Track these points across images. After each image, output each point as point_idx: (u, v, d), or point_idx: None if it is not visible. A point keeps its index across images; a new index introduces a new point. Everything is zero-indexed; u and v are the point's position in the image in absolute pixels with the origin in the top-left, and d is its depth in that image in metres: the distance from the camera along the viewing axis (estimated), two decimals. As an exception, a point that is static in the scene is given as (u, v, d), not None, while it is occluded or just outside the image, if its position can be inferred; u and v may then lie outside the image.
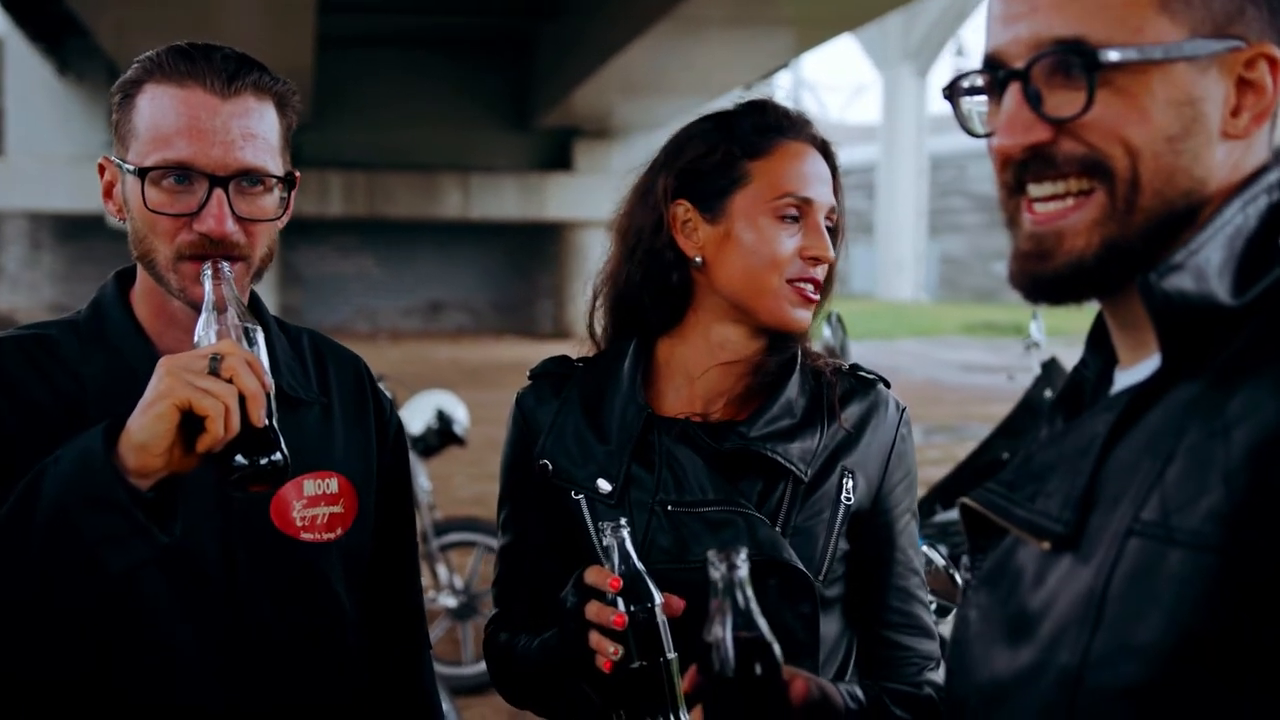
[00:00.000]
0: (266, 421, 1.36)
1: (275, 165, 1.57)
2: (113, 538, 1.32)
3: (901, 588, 1.71)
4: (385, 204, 24.23)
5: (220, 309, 1.43)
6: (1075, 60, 0.96)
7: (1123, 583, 0.89)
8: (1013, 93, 0.99)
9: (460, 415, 5.60)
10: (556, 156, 24.93)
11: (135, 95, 1.55)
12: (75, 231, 23.41)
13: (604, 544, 1.45)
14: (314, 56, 16.71)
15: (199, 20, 14.17)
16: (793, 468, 1.64)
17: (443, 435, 5.52)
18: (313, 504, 1.63)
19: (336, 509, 1.65)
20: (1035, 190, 1.00)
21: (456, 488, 9.69)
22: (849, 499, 1.66)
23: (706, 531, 1.61)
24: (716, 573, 1.09)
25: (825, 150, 1.71)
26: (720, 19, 14.45)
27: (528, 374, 1.79)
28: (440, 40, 23.61)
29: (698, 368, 1.71)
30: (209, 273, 1.47)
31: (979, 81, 1.04)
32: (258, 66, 1.57)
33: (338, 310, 26.48)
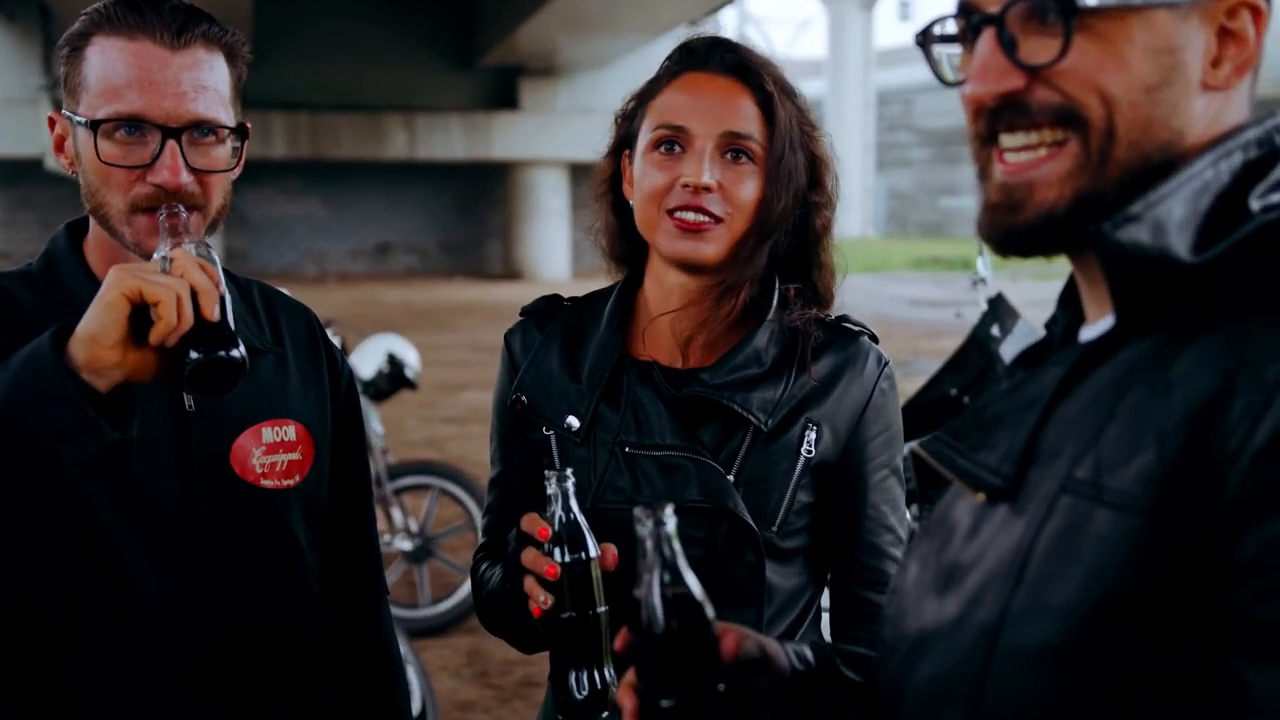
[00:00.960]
0: (220, 317, 1.37)
1: (227, 116, 1.57)
2: (62, 430, 1.31)
3: (871, 544, 1.69)
4: (329, 145, 23.98)
5: (174, 236, 1.45)
6: (1051, 4, 0.92)
7: (1049, 540, 0.88)
8: (986, 38, 0.96)
9: (411, 359, 5.59)
10: (502, 96, 24.75)
11: (84, 48, 1.54)
12: (12, 176, 22.98)
13: (548, 492, 1.47)
14: (253, -4, 16.44)
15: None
16: (751, 417, 1.64)
17: (394, 379, 5.51)
18: (271, 451, 1.64)
19: (295, 456, 1.67)
20: (1007, 140, 0.97)
21: (409, 430, 9.69)
22: (810, 451, 1.65)
23: (659, 474, 1.62)
24: (643, 529, 1.06)
25: (751, 79, 1.65)
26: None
27: (519, 311, 1.80)
28: (382, -23, 23.30)
29: (657, 311, 1.71)
30: (164, 214, 1.48)
31: (952, 28, 1.01)
32: (206, 18, 1.57)
33: (284, 254, 26.24)
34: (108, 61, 1.52)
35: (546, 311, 1.80)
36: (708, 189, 1.60)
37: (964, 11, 0.99)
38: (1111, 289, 0.93)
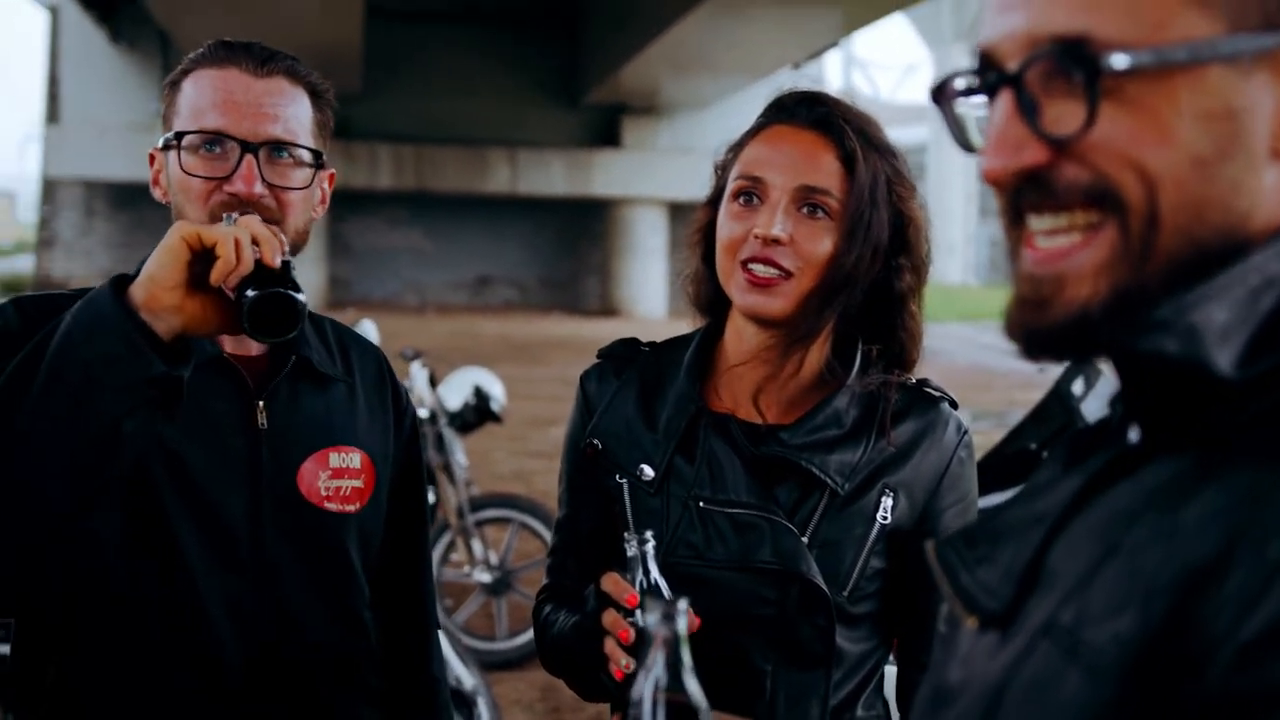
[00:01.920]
0: (280, 262, 1.42)
1: (306, 141, 1.66)
2: (109, 356, 1.35)
3: None
4: (433, 177, 24.33)
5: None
6: (1074, 64, 0.76)
7: (1023, 687, 0.76)
8: (1003, 102, 0.80)
9: (497, 392, 5.63)
10: (604, 133, 24.94)
11: (180, 83, 1.66)
12: (129, 199, 23.62)
13: (629, 554, 1.46)
14: (363, 29, 16.78)
15: (251, -8, 14.24)
16: (828, 480, 1.61)
17: (479, 412, 5.55)
18: (337, 475, 1.69)
19: (358, 483, 1.72)
20: (1035, 223, 0.80)
21: (497, 463, 9.73)
22: (885, 518, 1.62)
23: (732, 532, 1.60)
24: (651, 622, 0.97)
25: (835, 134, 1.62)
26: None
27: (596, 353, 1.80)
28: (490, 14, 23.69)
29: (734, 362, 1.69)
30: (235, 216, 1.53)
31: (974, 82, 0.84)
32: (293, 58, 1.67)
33: (386, 284, 26.62)
34: (198, 89, 1.63)
35: (624, 356, 1.79)
36: (778, 241, 1.58)
37: (981, 68, 0.82)
38: (1127, 402, 0.79)
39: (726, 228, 1.63)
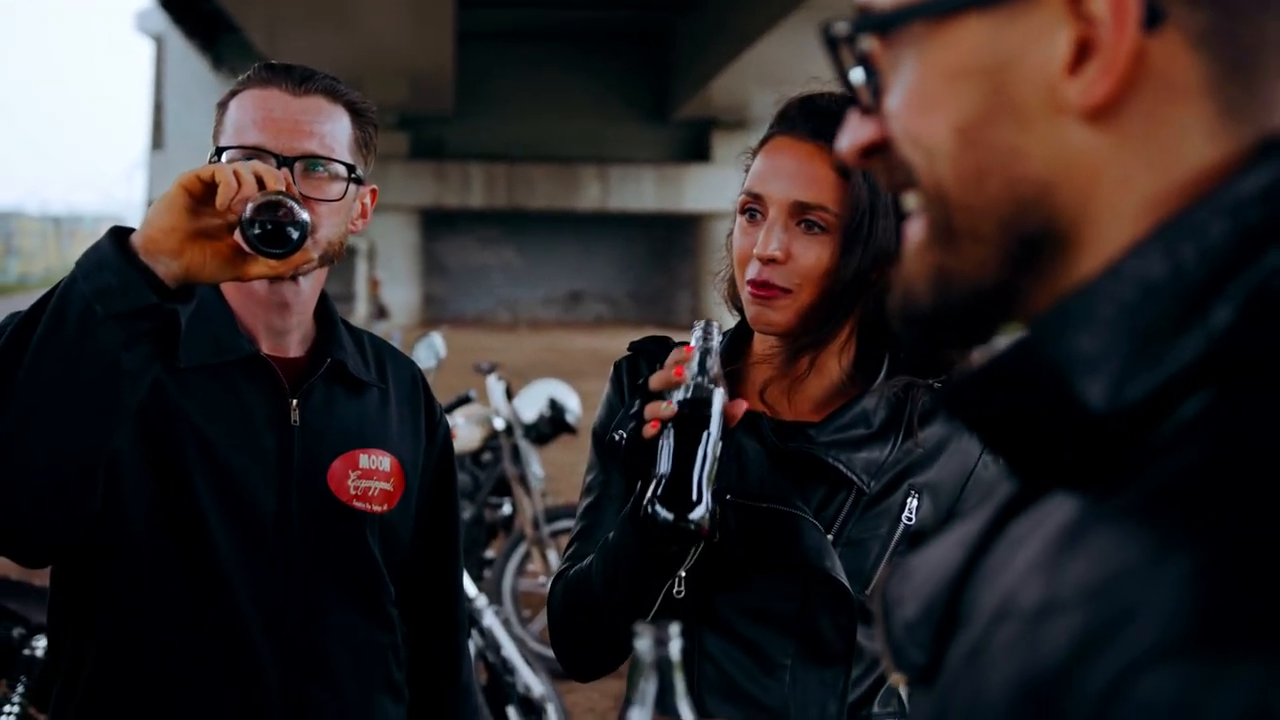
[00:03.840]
0: (282, 190, 1.46)
1: (342, 156, 1.71)
2: (103, 290, 1.40)
3: None
4: (525, 195, 24.54)
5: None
6: (835, 36, 0.70)
7: None
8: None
9: (572, 404, 5.68)
10: (694, 148, 24.98)
11: (228, 104, 1.72)
12: (229, 223, 24.09)
13: (694, 337, 1.49)
14: (454, 51, 17.00)
15: (343, 15, 14.54)
16: (855, 478, 1.61)
17: (554, 424, 5.60)
18: (366, 476, 1.74)
19: (386, 486, 1.77)
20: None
21: (576, 476, 9.63)
22: (910, 518, 1.62)
23: (758, 527, 1.61)
24: (643, 646, 0.92)
25: (831, 142, 1.54)
26: (855, 7, 14.30)
27: (628, 346, 1.81)
28: (578, 33, 23.84)
29: (758, 359, 1.71)
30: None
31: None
32: (332, 78, 1.73)
33: (479, 300, 26.90)
34: (241, 108, 1.69)
35: (655, 352, 1.79)
36: (775, 260, 1.58)
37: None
38: (992, 449, 0.67)
39: (737, 241, 1.64)
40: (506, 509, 5.50)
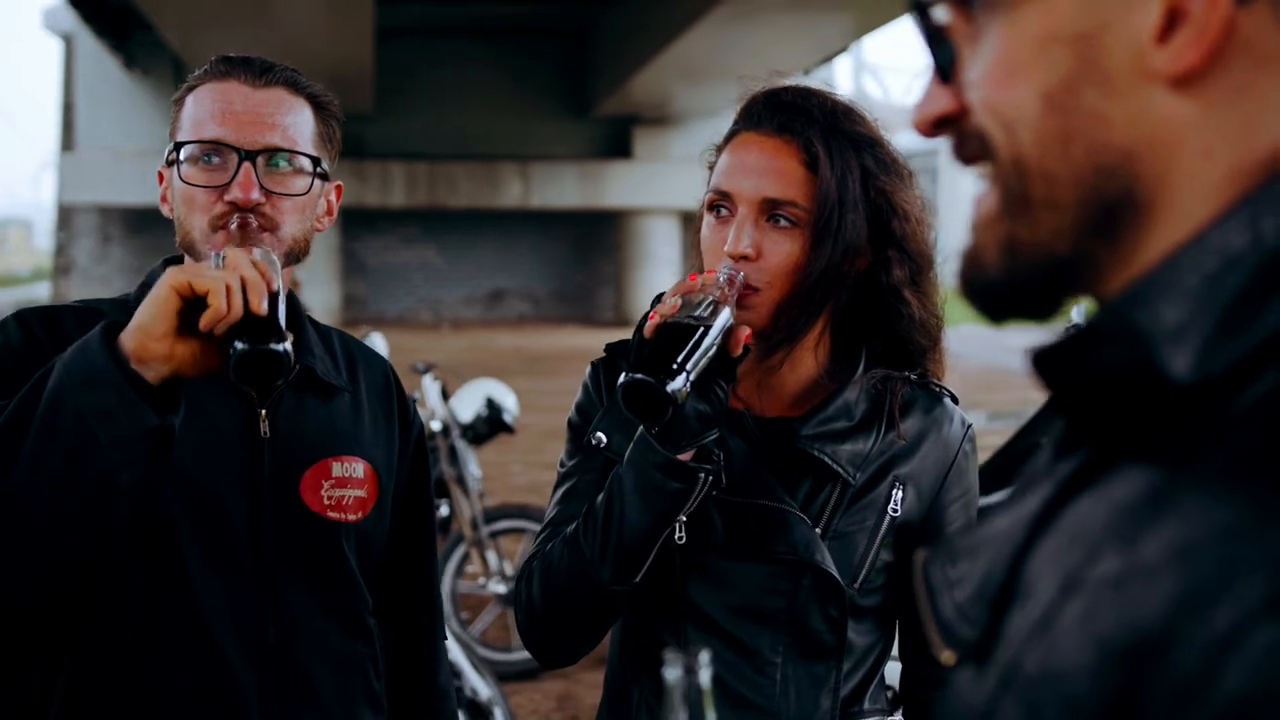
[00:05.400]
0: (268, 311, 1.40)
1: (306, 149, 1.66)
2: (103, 410, 1.34)
3: None
4: (447, 194, 24.39)
5: (243, 242, 1.54)
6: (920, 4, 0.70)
7: None
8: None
9: (510, 404, 5.63)
10: (616, 144, 24.98)
11: (185, 99, 1.68)
12: (144, 224, 23.74)
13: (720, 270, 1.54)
14: (374, 48, 16.84)
15: (260, 13, 14.33)
16: (840, 470, 1.61)
17: (492, 423, 5.56)
18: (340, 485, 1.70)
19: (360, 493, 1.72)
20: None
21: (513, 475, 9.73)
22: (896, 510, 1.63)
23: (745, 523, 1.61)
24: (671, 676, 0.88)
25: (799, 137, 1.59)
26: (779, 2, 14.38)
27: (604, 347, 1.79)
28: (498, 29, 23.76)
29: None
30: (235, 222, 1.58)
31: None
32: (296, 72, 1.69)
33: (401, 300, 26.69)
34: (199, 102, 1.64)
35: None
36: (745, 257, 1.57)
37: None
38: (1068, 420, 0.69)
39: (706, 239, 1.63)
40: (444, 510, 5.43)
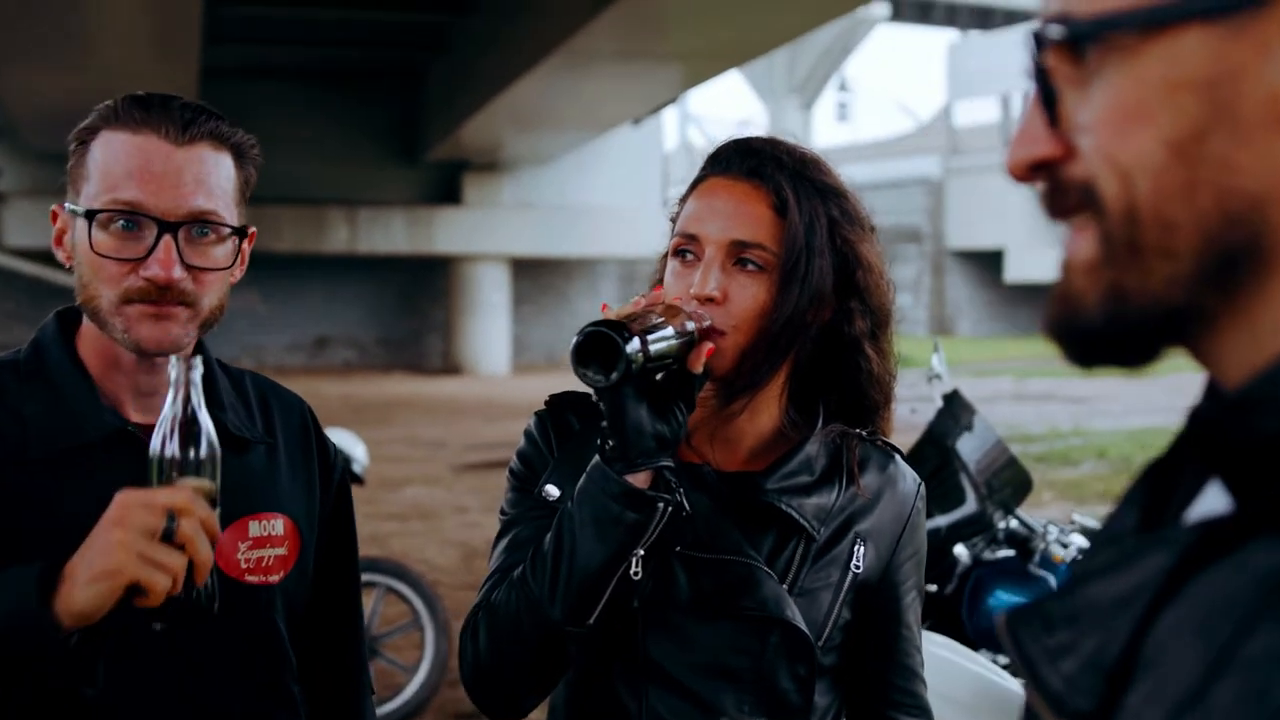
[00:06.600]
0: (208, 580, 1.37)
1: (229, 215, 1.55)
2: (20, 657, 1.31)
3: (906, 666, 1.67)
4: (271, 238, 23.82)
5: (184, 410, 1.40)
6: (1033, 45, 0.69)
7: None
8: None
9: (359, 454, 5.52)
10: (446, 190, 24.82)
11: (90, 142, 1.53)
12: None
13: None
14: (198, 88, 16.45)
15: (80, 50, 13.88)
16: (806, 524, 1.59)
17: (342, 474, 5.43)
18: (257, 545, 1.61)
19: (281, 551, 1.63)
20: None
21: (363, 527, 9.50)
22: (858, 567, 1.62)
23: (711, 579, 1.57)
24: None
25: (768, 182, 1.59)
26: (610, 53, 14.53)
27: (549, 398, 1.73)
28: (328, 73, 23.45)
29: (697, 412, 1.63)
30: (176, 367, 1.41)
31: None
32: (216, 116, 1.56)
33: (221, 348, 25.07)
34: (110, 153, 1.50)
35: (577, 401, 1.72)
36: (712, 300, 1.55)
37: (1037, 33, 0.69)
38: (1227, 481, 0.66)
39: (670, 285, 1.60)
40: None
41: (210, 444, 1.39)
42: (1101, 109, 0.65)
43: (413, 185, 24.83)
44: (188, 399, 1.38)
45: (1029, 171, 0.70)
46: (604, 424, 1.49)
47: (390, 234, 24.36)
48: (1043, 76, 0.68)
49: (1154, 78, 0.63)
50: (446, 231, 24.48)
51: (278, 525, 1.63)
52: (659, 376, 1.47)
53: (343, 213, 24.09)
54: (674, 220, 1.67)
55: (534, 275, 26.96)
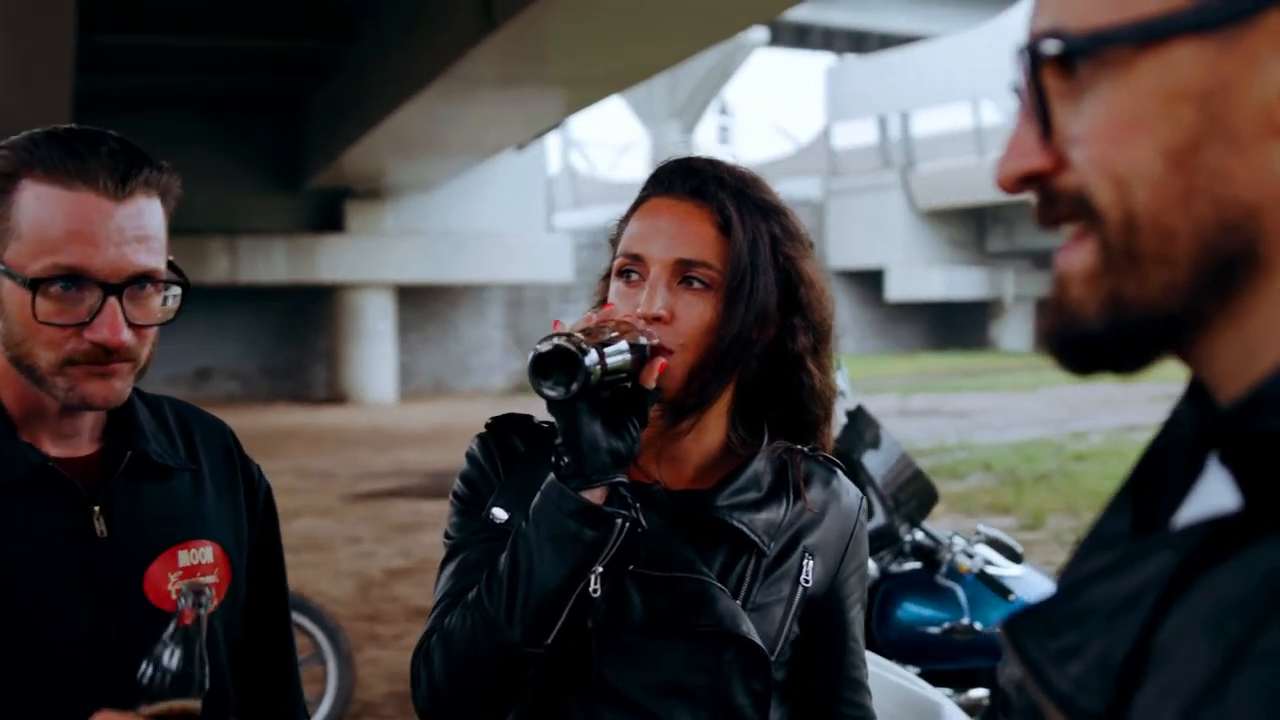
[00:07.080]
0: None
1: (163, 264, 1.50)
2: None
3: (853, 679, 1.69)
4: (148, 269, 23.40)
5: (189, 640, 1.36)
6: (1027, 60, 0.71)
7: None
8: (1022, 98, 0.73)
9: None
10: (328, 218, 24.57)
11: (14, 190, 1.44)
12: None
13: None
14: (71, 117, 16.07)
15: (-55, 79, 13.47)
16: (757, 539, 1.59)
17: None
18: (188, 574, 1.56)
19: (212, 578, 1.59)
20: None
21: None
22: (808, 581, 1.63)
23: (665, 597, 1.56)
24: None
25: (711, 201, 1.60)
26: (493, 79, 14.52)
27: (492, 420, 1.70)
28: (207, 100, 23.08)
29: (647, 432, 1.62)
30: (188, 599, 1.36)
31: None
32: (146, 160, 1.49)
33: (98, 380, 25.33)
34: (45, 212, 1.42)
35: (519, 423, 1.71)
36: (659, 319, 1.55)
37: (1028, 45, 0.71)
38: (1240, 480, 0.66)
39: (615, 306, 1.59)
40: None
41: (204, 666, 1.36)
42: (1096, 121, 0.67)
43: (294, 214, 24.53)
44: (199, 632, 1.35)
45: (1019, 184, 0.72)
46: (558, 441, 1.48)
47: (272, 263, 24.02)
48: (1038, 91, 0.70)
49: (1149, 90, 0.65)
50: (329, 260, 24.21)
51: (207, 553, 1.60)
52: (607, 393, 1.47)
53: (223, 243, 23.69)
54: (614, 242, 1.67)
55: (419, 302, 26.78)
